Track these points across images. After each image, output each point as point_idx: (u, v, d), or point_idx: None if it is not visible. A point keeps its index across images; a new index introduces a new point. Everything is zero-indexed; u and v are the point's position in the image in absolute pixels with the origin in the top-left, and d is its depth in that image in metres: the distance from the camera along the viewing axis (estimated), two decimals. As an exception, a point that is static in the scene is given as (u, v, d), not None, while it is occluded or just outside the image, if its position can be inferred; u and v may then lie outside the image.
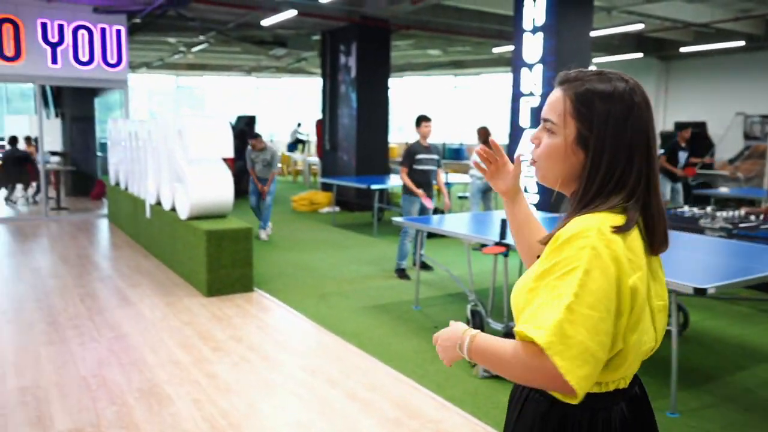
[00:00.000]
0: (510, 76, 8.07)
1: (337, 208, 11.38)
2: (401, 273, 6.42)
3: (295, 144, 20.45)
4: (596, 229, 1.07)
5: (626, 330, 1.09)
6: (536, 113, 7.54)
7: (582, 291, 1.03)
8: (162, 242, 6.76)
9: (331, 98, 11.98)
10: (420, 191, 6.20)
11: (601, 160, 1.13)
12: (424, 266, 6.71)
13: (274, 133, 22.17)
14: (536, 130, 1.25)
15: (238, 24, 11.22)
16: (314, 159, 16.73)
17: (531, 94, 7.61)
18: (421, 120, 6.32)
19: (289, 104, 23.32)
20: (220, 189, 5.96)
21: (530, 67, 7.57)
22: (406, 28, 11.47)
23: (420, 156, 6.23)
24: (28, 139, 12.16)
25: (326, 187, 11.88)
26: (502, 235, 4.19)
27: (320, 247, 7.93)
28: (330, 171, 12.12)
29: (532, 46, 7.52)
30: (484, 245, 4.31)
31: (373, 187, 8.91)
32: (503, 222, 4.18)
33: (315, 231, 9.19)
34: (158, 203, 6.89)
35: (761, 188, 11.08)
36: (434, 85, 21.05)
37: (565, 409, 1.15)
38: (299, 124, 20.89)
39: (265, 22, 10.02)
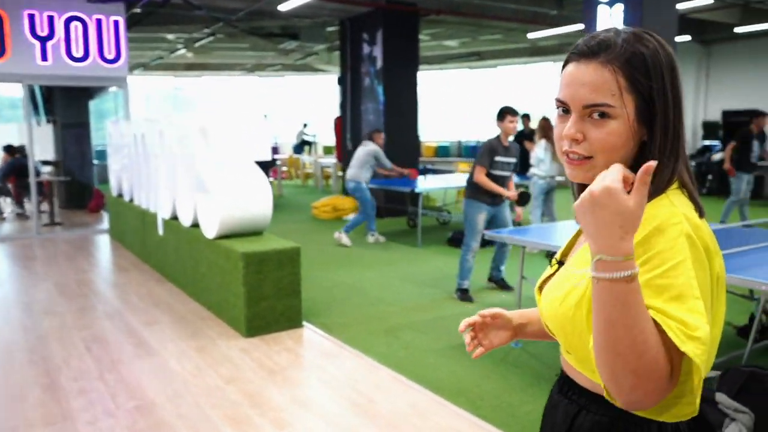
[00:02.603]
0: (540, 65, 6.94)
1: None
2: (464, 294, 5.30)
3: (302, 146, 19.35)
4: (683, 214, 0.92)
5: (712, 324, 0.91)
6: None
7: (700, 286, 0.87)
8: (180, 265, 5.58)
9: (352, 92, 10.81)
10: (511, 193, 5.11)
11: (667, 131, 0.97)
12: (503, 285, 5.57)
13: (277, 134, 21.04)
14: (570, 125, 0.98)
15: (249, 12, 10.04)
16: (327, 161, 15.58)
17: (608, 76, 6.47)
18: (506, 113, 5.17)
19: (294, 104, 22.10)
20: (257, 199, 4.79)
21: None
22: (437, 13, 10.32)
23: (499, 158, 5.09)
24: (9, 148, 10.82)
25: (347, 192, 10.73)
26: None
27: (362, 263, 6.76)
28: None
29: (608, 21, 6.39)
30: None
31: (417, 189, 7.75)
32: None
33: (357, 237, 8.01)
34: (174, 217, 5.72)
35: None
36: (449, 79, 19.88)
37: (629, 422, 0.97)
38: (305, 125, 19.77)
39: (284, 7, 8.86)
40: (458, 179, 9.04)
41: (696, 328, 0.83)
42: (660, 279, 0.86)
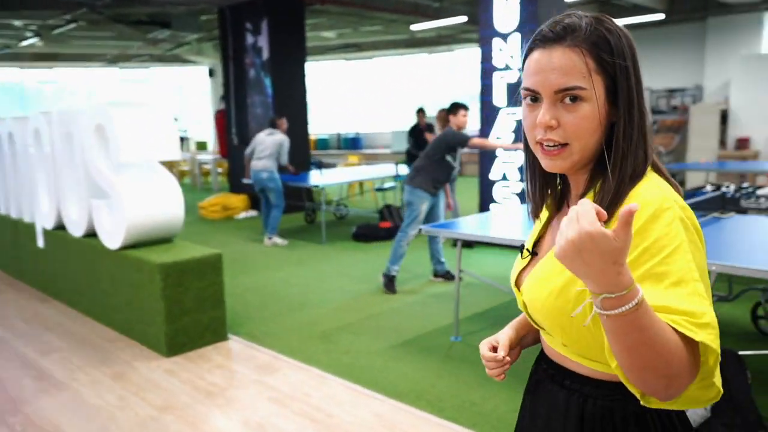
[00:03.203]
0: (418, 56, 7.03)
1: (254, 212, 9.81)
2: (389, 282, 5.21)
3: (173, 142, 18.21)
4: (671, 198, 0.92)
5: None
6: (513, 89, 6.58)
7: (698, 268, 0.88)
8: (71, 281, 4.94)
9: (236, 85, 10.28)
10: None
11: (633, 110, 0.97)
12: (449, 276, 5.52)
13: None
14: (543, 112, 0.96)
15: (117, -3, 9.18)
16: (205, 157, 14.80)
17: (507, 67, 6.63)
18: (458, 108, 5.25)
19: (162, 97, 20.72)
20: (167, 202, 4.33)
21: (504, 37, 6.59)
22: (321, 2, 10.06)
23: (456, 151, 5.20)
24: None
25: (237, 189, 10.24)
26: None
27: (270, 265, 6.42)
28: (240, 169, 10.42)
29: (506, 13, 6.54)
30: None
31: (320, 184, 7.51)
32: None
33: (248, 243, 7.60)
34: (59, 227, 5.05)
35: (683, 162, 11.10)
36: (326, 72, 19.63)
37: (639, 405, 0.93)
38: (175, 119, 18.63)
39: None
40: (355, 173, 8.91)
41: (702, 314, 0.84)
42: (660, 266, 0.86)
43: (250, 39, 9.81)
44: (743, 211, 4.97)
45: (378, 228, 7.59)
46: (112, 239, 4.26)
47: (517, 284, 1.14)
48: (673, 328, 0.82)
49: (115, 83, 19.79)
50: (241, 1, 9.69)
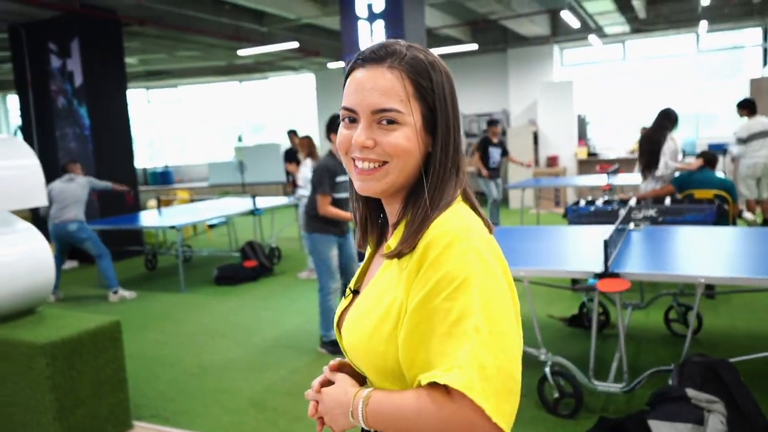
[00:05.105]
0: (228, 85, 6.72)
1: (75, 263, 8.37)
2: (334, 347, 4.36)
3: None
4: (468, 228, 0.91)
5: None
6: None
7: (484, 305, 0.85)
8: None
9: (39, 116, 8.73)
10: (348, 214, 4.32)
11: (449, 140, 0.97)
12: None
13: None
14: (359, 132, 0.96)
15: None
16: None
17: (376, 92, 6.47)
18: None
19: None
20: (33, 262, 3.33)
21: (371, 60, 6.43)
22: (140, 23, 9.01)
23: (339, 178, 4.20)
24: None
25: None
26: (607, 262, 3.03)
27: (136, 326, 5.40)
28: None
29: (368, 36, 6.38)
30: (576, 281, 3.10)
31: (175, 224, 6.59)
32: (605, 244, 3.02)
33: (90, 302, 6.38)
34: None
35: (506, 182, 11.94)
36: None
37: None
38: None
39: (-57, 3, 6.56)
40: (206, 209, 8.04)
41: (453, 359, 0.84)
42: (446, 302, 0.86)
43: (56, 62, 8.41)
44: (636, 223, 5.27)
45: (242, 268, 6.88)
46: (-48, 318, 3.16)
47: (339, 326, 1.08)
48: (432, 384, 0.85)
49: None
50: (41, 19, 8.28)
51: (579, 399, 3.12)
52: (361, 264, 1.12)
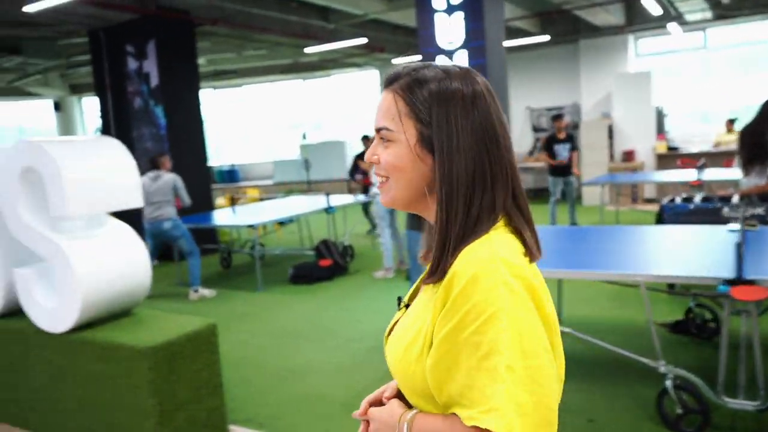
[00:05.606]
0: (292, 84, 6.60)
1: (155, 261, 8.51)
2: None
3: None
4: (499, 259, 0.89)
5: (558, 363, 0.93)
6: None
7: (516, 339, 0.85)
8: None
9: (117, 117, 8.94)
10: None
11: (452, 159, 0.94)
12: None
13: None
14: (370, 148, 1.04)
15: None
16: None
17: (454, 86, 6.28)
18: None
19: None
20: (130, 262, 3.32)
21: (449, 54, 6.23)
22: (212, 23, 9.10)
23: None
24: None
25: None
26: (741, 267, 2.76)
27: (223, 325, 5.38)
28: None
29: (449, 30, 6.19)
30: (672, 286, 2.85)
31: (253, 222, 6.59)
32: (738, 247, 2.76)
33: (171, 300, 6.45)
34: (-50, 308, 3.76)
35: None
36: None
37: None
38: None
39: (31, 8, 6.76)
40: (281, 208, 8.05)
41: (489, 399, 0.83)
42: (475, 335, 0.85)
43: (132, 64, 8.58)
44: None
45: (317, 267, 6.82)
46: (54, 319, 3.17)
47: (388, 337, 1.10)
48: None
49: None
50: (119, 22, 8.47)
51: (706, 416, 2.87)
52: (417, 279, 1.12)
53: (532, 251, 0.95)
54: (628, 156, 11.45)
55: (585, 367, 3.82)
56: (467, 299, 0.86)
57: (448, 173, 0.94)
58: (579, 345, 4.05)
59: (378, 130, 1.00)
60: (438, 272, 0.93)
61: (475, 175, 0.94)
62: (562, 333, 4.12)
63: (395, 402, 1.02)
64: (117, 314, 3.36)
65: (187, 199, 6.56)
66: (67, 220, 3.19)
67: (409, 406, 1.00)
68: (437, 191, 0.95)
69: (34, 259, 3.36)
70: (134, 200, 3.34)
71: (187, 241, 6.35)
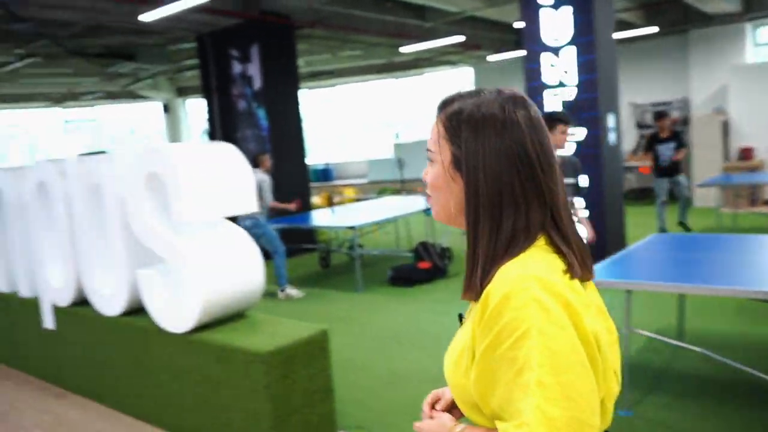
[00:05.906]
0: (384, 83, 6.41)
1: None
2: None
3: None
4: (532, 277, 0.91)
5: (600, 378, 0.93)
6: (571, 107, 5.98)
7: (546, 357, 0.86)
8: (106, 373, 3.88)
9: (222, 119, 9.29)
10: None
11: (477, 179, 0.98)
12: None
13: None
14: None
15: (88, 27, 8.08)
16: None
17: (561, 84, 6.03)
18: (556, 122, 3.91)
19: (108, 137, 19.23)
20: (245, 267, 3.39)
21: (555, 51, 5.99)
22: (310, 26, 9.26)
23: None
24: None
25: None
26: None
27: (332, 325, 5.46)
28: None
29: (557, 25, 5.95)
30: None
31: (353, 224, 6.63)
32: None
33: (262, 297, 6.61)
34: (78, 303, 4.00)
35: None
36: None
37: None
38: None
39: (146, 17, 7.15)
40: (380, 209, 8.07)
41: (522, 413, 0.85)
42: (511, 351, 0.88)
43: (237, 68, 8.88)
44: None
45: (416, 269, 6.77)
46: (175, 319, 3.28)
47: None
48: None
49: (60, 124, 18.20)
50: (224, 27, 8.78)
51: None
52: None
53: (573, 268, 0.97)
54: (746, 154, 10.63)
55: (713, 388, 3.53)
56: (500, 318, 0.89)
57: (474, 193, 0.98)
58: (703, 364, 3.75)
59: (427, 151, 1.09)
60: (470, 288, 0.98)
61: (502, 196, 0.97)
62: (684, 351, 3.84)
63: (446, 416, 1.08)
64: (233, 316, 3.43)
65: (269, 199, 6.61)
66: (184, 223, 3.29)
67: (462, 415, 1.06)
68: (464, 209, 1.00)
69: (155, 261, 3.49)
70: (249, 205, 3.39)
71: (268, 240, 6.36)
